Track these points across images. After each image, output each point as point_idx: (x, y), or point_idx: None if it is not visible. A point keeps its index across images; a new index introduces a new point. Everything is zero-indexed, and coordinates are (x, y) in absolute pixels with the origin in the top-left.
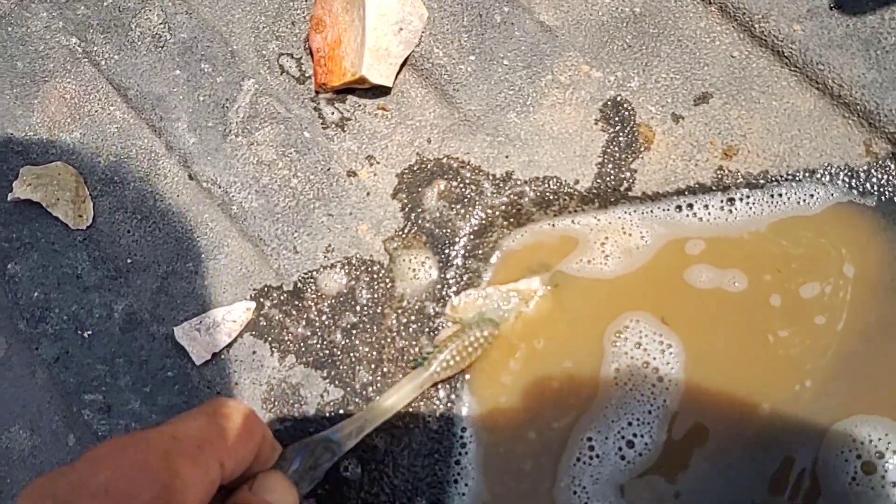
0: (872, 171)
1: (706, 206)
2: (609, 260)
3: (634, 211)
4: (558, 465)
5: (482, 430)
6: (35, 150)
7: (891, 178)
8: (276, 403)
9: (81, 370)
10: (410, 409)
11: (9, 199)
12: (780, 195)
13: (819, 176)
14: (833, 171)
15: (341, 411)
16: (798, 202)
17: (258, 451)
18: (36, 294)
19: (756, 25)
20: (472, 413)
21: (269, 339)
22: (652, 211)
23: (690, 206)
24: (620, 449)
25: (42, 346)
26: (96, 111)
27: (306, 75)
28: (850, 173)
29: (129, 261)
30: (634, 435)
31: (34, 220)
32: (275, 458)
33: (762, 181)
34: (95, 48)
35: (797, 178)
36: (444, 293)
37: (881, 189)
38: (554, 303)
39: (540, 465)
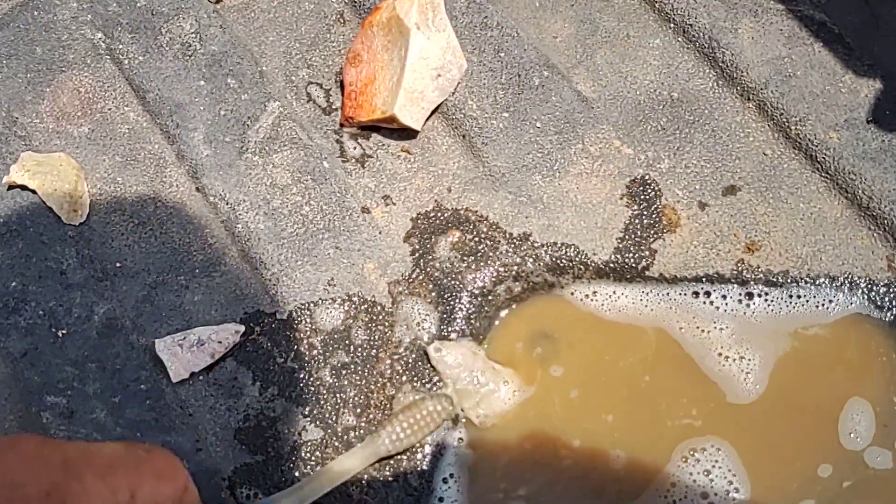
0: (892, 286)
1: (724, 297)
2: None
3: (651, 291)
4: None
5: None
6: (39, 138)
7: None
8: (250, 435)
9: (48, 370)
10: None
11: (3, 181)
12: (799, 297)
13: (839, 283)
14: (853, 281)
15: (317, 453)
16: (816, 306)
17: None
18: (14, 284)
19: (792, 127)
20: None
21: (254, 366)
22: (668, 294)
23: (707, 293)
24: None
25: (10, 338)
26: (109, 109)
27: (333, 107)
28: (869, 285)
29: (118, 264)
30: None
31: (26, 207)
32: None
33: (782, 280)
34: (121, 46)
35: (817, 283)
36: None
37: None
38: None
39: None
